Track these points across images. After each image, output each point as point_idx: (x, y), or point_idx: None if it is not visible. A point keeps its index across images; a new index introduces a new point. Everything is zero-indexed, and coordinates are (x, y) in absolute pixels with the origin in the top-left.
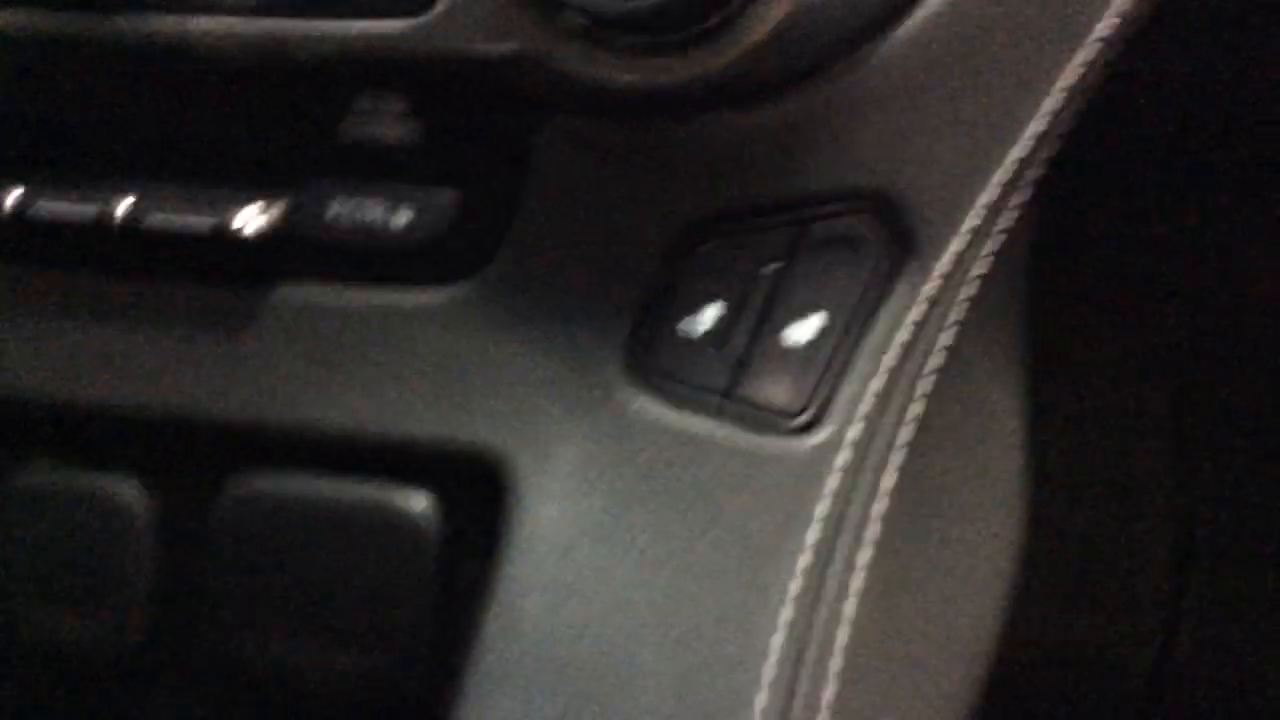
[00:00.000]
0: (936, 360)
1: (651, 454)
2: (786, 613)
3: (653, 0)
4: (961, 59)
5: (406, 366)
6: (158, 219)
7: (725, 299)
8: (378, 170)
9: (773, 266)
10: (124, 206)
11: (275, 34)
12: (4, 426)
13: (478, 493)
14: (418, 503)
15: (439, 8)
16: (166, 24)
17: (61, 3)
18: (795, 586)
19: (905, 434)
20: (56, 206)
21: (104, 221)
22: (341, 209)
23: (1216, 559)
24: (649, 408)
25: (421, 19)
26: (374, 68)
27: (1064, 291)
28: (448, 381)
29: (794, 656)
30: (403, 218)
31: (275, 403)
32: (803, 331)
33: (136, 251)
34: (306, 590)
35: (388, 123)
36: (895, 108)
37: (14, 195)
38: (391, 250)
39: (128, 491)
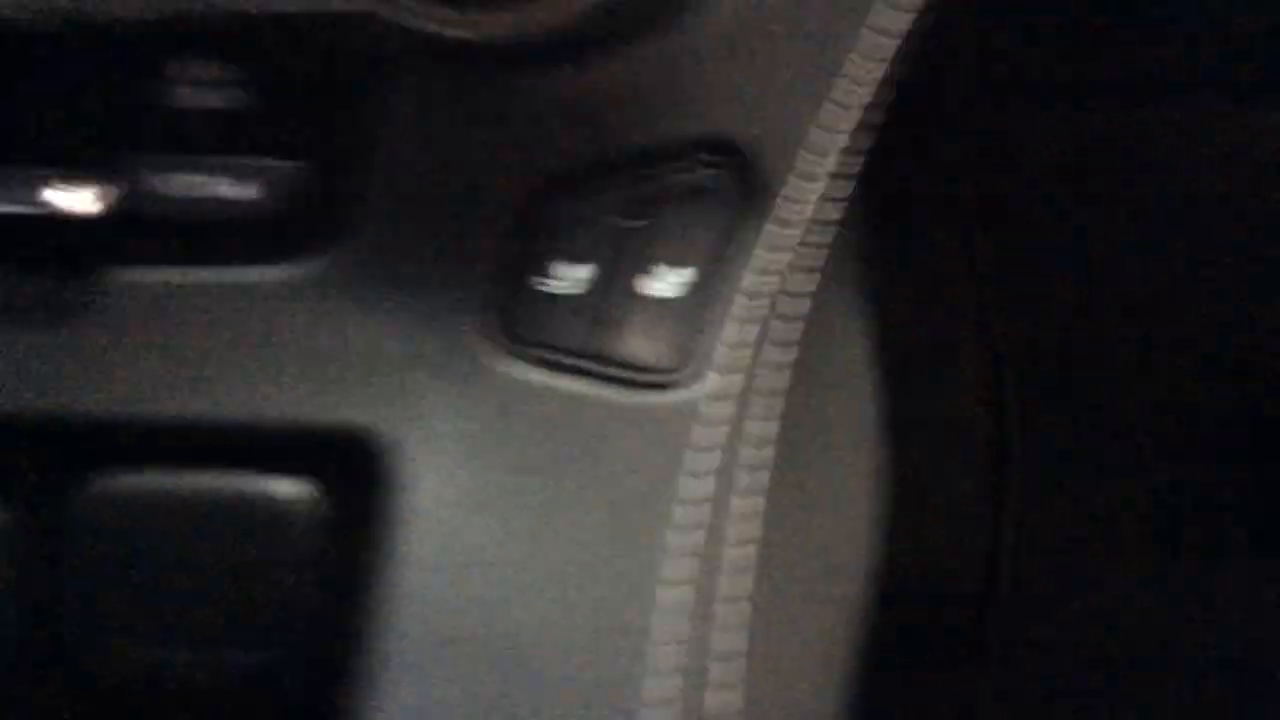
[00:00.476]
0: (802, 306)
1: (526, 419)
2: (672, 566)
3: None
4: (780, 5)
5: (265, 348)
6: None
7: (586, 258)
8: (219, 143)
9: (630, 222)
10: None
11: None
12: None
13: (352, 475)
14: (288, 489)
15: None
16: None
17: None
18: (681, 540)
19: (781, 381)
20: None
21: None
22: (182, 184)
23: (1028, 477)
24: (519, 372)
25: None
26: (207, 29)
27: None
28: (310, 361)
29: (684, 609)
30: (249, 191)
31: (126, 396)
32: (666, 286)
33: None
34: (178, 590)
35: (223, 91)
36: (727, 56)
37: None
38: (239, 226)
39: None
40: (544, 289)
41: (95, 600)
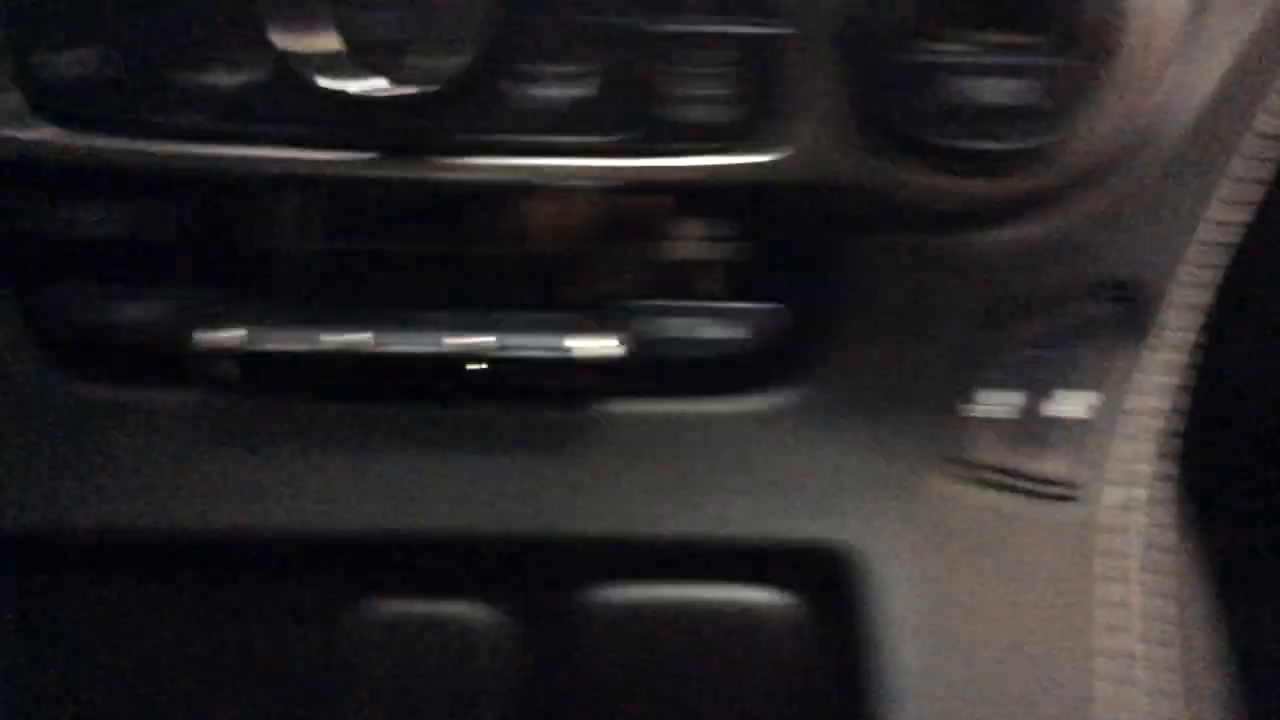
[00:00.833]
0: (1178, 423)
1: (965, 531)
2: (1105, 665)
3: (1024, 145)
4: (1168, 167)
5: (748, 471)
6: (510, 344)
7: (1009, 385)
8: (714, 291)
9: (1045, 353)
10: (472, 340)
11: (639, 170)
12: (336, 561)
13: (826, 584)
14: (772, 599)
15: (798, 143)
16: (529, 167)
17: (412, 148)
18: (1109, 642)
19: (1170, 490)
20: (404, 342)
21: (453, 355)
22: (677, 327)
23: None
24: (957, 490)
25: (781, 153)
26: (728, 198)
27: None
28: (787, 483)
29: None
30: (738, 331)
31: (623, 515)
32: (1074, 408)
33: (476, 380)
34: (670, 693)
35: (715, 248)
36: (1132, 210)
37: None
38: (727, 363)
39: (476, 614)
40: (975, 413)
41: (595, 705)
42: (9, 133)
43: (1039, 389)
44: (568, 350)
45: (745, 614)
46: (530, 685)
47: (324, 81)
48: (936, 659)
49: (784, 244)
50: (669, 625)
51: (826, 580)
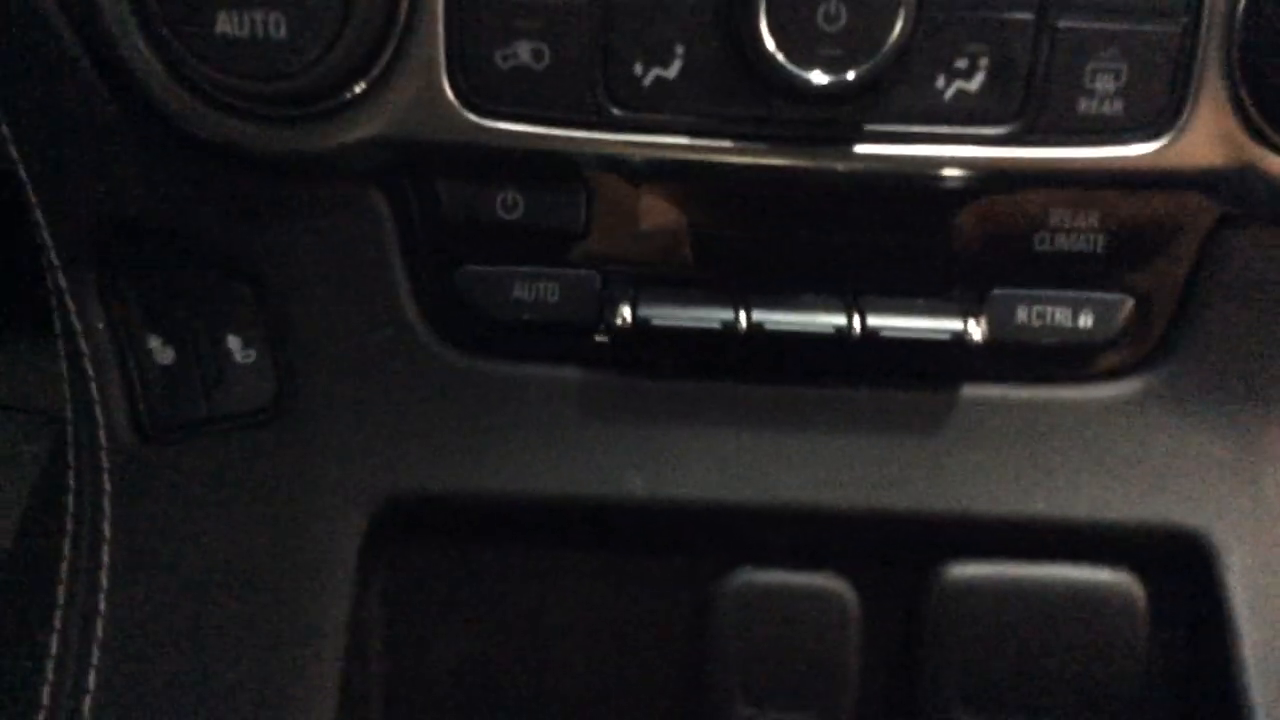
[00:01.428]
0: None
1: None
2: None
3: None
4: None
5: (1100, 455)
6: (897, 326)
7: None
8: (1058, 277)
9: None
10: (843, 320)
11: (1026, 160)
12: (703, 533)
13: (1173, 567)
14: (1126, 582)
15: (1177, 133)
16: (914, 148)
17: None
18: None
19: None
20: (783, 322)
21: (843, 331)
22: (1029, 315)
23: None
24: None
25: (1163, 142)
26: (1102, 187)
27: None
28: (1141, 467)
29: None
30: (1085, 321)
31: (977, 495)
32: None
33: (843, 361)
34: (1021, 672)
35: (1074, 237)
36: None
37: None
38: (1076, 351)
39: (838, 587)
40: None
41: (945, 680)
42: (444, 122)
43: None
44: (934, 332)
45: (1098, 594)
46: (886, 658)
47: (788, 72)
48: None
49: (1149, 232)
50: (1024, 604)
51: (1179, 563)
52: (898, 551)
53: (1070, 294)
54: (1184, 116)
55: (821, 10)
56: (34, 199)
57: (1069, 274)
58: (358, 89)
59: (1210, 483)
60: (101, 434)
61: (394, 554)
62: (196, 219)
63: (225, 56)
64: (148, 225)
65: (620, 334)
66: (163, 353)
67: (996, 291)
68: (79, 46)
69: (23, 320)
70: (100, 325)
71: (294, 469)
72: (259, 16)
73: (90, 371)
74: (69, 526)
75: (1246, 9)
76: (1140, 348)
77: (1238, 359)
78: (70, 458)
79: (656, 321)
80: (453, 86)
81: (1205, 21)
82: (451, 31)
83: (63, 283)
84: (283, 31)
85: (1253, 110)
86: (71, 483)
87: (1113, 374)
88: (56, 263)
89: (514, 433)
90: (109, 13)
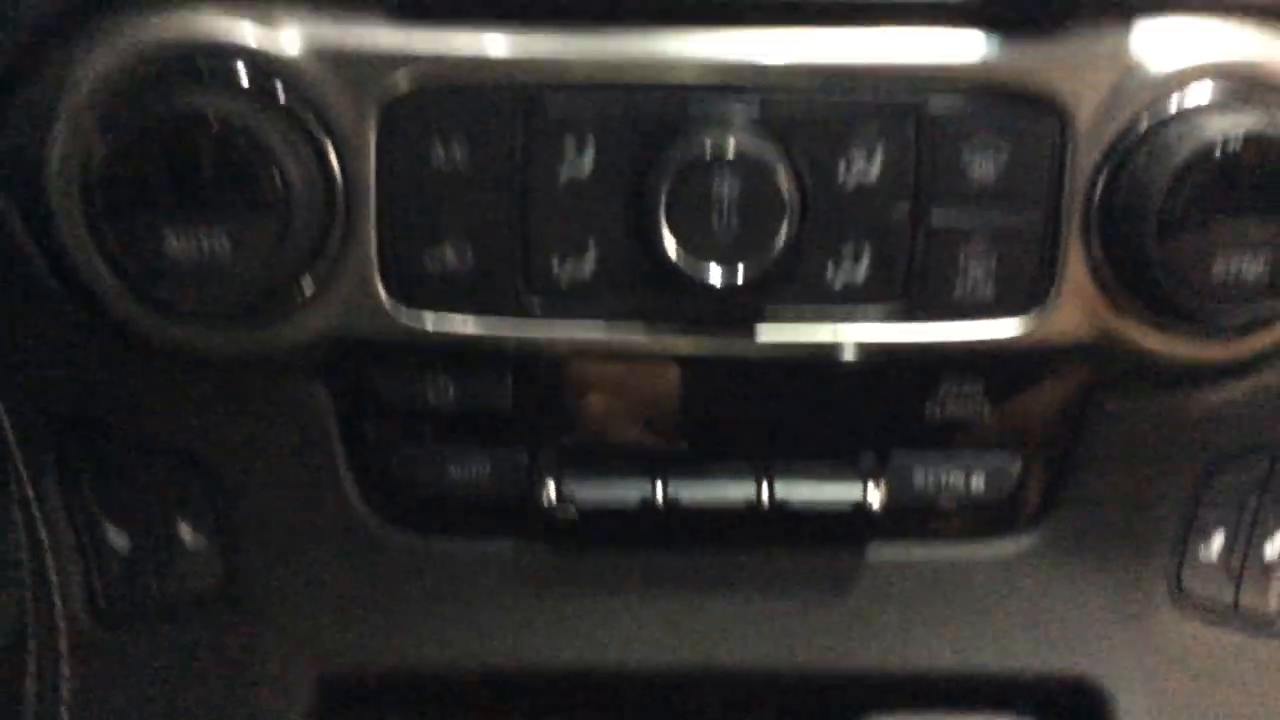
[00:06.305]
0: None
1: (1195, 662)
2: None
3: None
4: None
5: (999, 608)
6: (803, 497)
7: (1224, 526)
8: (951, 441)
9: (1253, 497)
10: (754, 491)
11: (912, 337)
12: (632, 697)
13: (1072, 714)
14: None
15: (1045, 311)
16: (807, 332)
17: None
18: None
19: None
20: (700, 493)
21: (752, 503)
22: (925, 477)
23: None
24: (1187, 625)
25: (1031, 320)
26: (980, 361)
27: None
28: (1037, 618)
29: None
30: (978, 482)
31: (888, 651)
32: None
33: (771, 521)
34: None
35: (962, 403)
36: None
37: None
38: (973, 510)
39: None
40: (1198, 554)
41: None
42: (379, 320)
43: (1259, 531)
44: (836, 501)
45: None
46: None
47: (689, 270)
48: None
49: (1029, 400)
50: None
51: (1077, 708)
52: (816, 707)
53: (963, 456)
54: (1051, 295)
55: (715, 217)
56: None
57: (960, 437)
58: (297, 296)
59: (1101, 631)
60: (60, 618)
61: None
62: (149, 414)
63: (174, 273)
64: (103, 420)
65: (547, 511)
66: (118, 538)
67: (895, 455)
68: (40, 258)
69: None
70: (58, 513)
71: (243, 649)
72: (204, 237)
73: (49, 559)
74: (28, 709)
75: (1102, 197)
76: (1032, 504)
77: (1122, 511)
78: (29, 642)
79: (579, 498)
80: (386, 287)
81: (1065, 210)
82: (383, 238)
83: (23, 472)
84: (227, 249)
85: (1115, 288)
86: (31, 666)
87: (1007, 530)
88: (17, 453)
89: (452, 607)
90: (67, 232)
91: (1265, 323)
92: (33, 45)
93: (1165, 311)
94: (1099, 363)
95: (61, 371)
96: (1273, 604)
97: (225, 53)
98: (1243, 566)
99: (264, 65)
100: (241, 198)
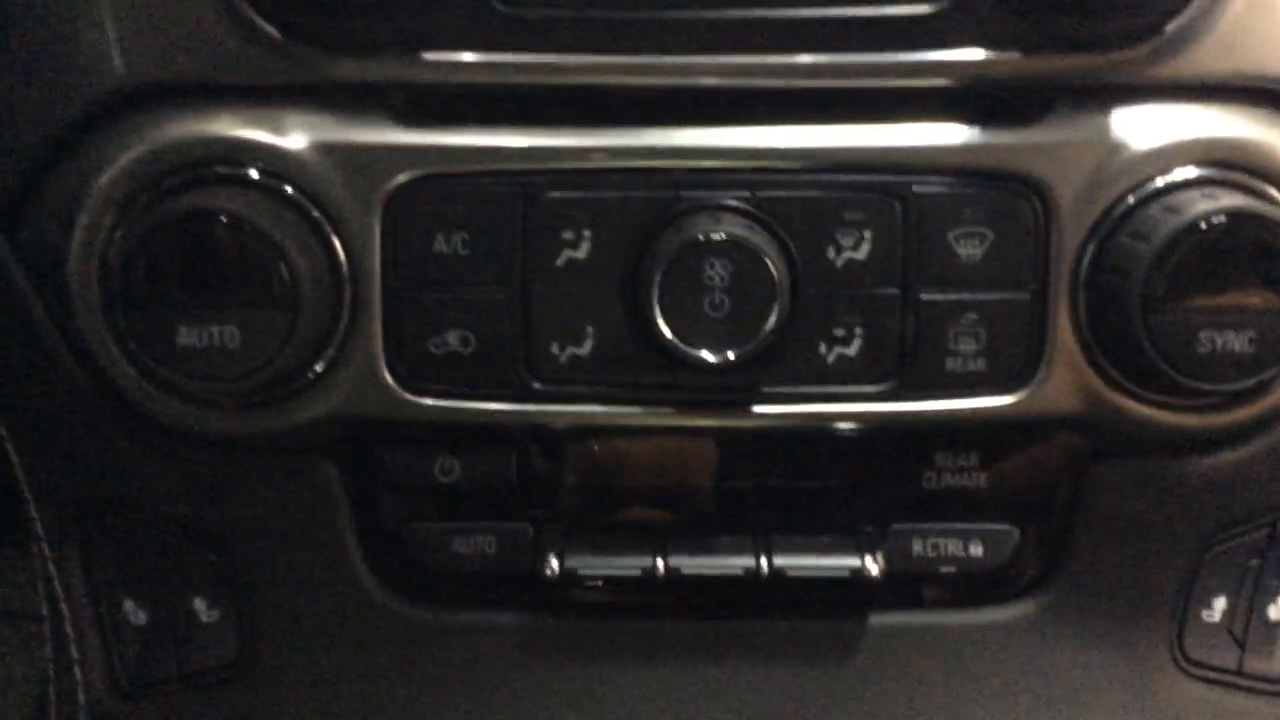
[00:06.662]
0: None
1: None
2: None
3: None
4: None
5: (999, 673)
6: (801, 565)
7: (1226, 591)
8: (948, 512)
9: (1254, 560)
10: (754, 562)
11: (903, 413)
12: None
13: None
14: None
15: (1035, 385)
16: (801, 408)
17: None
18: None
19: None
20: (701, 565)
21: (751, 572)
22: (924, 547)
23: None
24: (1191, 689)
25: (1022, 394)
26: (974, 434)
27: None
28: (1033, 686)
29: None
30: (976, 551)
31: (885, 718)
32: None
33: (771, 590)
34: None
35: (959, 475)
36: None
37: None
38: (971, 579)
39: None
40: (1201, 618)
41: None
42: (385, 403)
43: (1262, 594)
44: (834, 569)
45: None
46: None
47: (683, 351)
48: None
49: (1027, 468)
50: None
51: None
52: None
53: (960, 526)
54: (1040, 370)
55: (707, 300)
56: (22, 479)
57: (958, 507)
58: (307, 379)
59: (1102, 696)
60: (80, 693)
61: None
62: (164, 494)
63: (186, 363)
64: (122, 500)
65: (551, 583)
66: (136, 615)
67: (895, 526)
68: (62, 345)
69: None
70: (80, 591)
71: None
72: (215, 330)
73: (70, 634)
74: None
75: (1088, 274)
76: (1031, 572)
77: (1122, 577)
78: (51, 714)
79: (583, 571)
80: (392, 372)
81: (1053, 288)
82: (388, 325)
83: (47, 552)
84: (236, 342)
85: (1104, 361)
86: None
87: (1006, 597)
88: (41, 535)
89: (459, 678)
90: (85, 321)
91: (1256, 392)
92: (60, 143)
93: (1153, 385)
94: (1091, 433)
95: (83, 454)
96: (1278, 666)
97: (236, 151)
98: (1247, 629)
99: (272, 162)
100: (251, 290)
